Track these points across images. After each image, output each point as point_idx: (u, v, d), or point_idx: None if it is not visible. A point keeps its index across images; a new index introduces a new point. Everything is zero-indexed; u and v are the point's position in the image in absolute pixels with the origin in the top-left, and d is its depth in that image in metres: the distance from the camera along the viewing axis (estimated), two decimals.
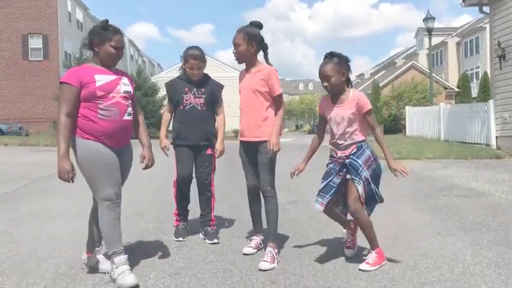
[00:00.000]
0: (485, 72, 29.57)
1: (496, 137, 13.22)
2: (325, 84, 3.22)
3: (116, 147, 3.00)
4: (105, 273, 3.04)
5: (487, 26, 33.91)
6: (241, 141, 3.58)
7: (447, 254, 3.46)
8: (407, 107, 23.80)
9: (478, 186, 6.68)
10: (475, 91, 31.78)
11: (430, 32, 20.86)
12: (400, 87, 28.06)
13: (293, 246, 3.76)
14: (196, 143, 3.92)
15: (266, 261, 3.20)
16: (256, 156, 3.45)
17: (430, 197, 5.90)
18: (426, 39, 33.84)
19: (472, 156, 10.79)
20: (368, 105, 3.24)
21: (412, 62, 33.01)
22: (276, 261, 3.25)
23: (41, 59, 28.90)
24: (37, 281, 2.95)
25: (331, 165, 3.29)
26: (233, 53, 3.52)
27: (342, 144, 3.25)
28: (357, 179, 3.18)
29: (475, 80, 34.55)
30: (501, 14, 12.48)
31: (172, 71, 33.26)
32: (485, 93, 27.31)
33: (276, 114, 3.48)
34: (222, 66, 34.00)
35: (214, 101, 4.04)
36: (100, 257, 3.19)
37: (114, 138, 2.98)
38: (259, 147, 3.43)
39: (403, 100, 27.05)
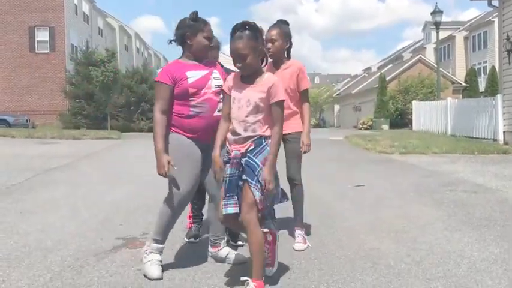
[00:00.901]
0: (493, 67, 29.38)
1: (504, 132, 13.13)
2: (239, 65, 2.69)
3: (203, 141, 2.99)
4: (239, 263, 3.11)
5: (496, 19, 33.62)
6: None
7: (453, 249, 3.44)
8: (414, 102, 23.70)
9: (485, 181, 6.64)
10: (482, 86, 31.58)
11: (437, 25, 20.72)
12: (407, 82, 27.95)
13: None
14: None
15: (299, 242, 3.46)
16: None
17: (436, 192, 5.87)
18: (434, 33, 33.59)
19: (479, 151, 10.73)
20: (281, 95, 2.67)
21: (419, 56, 32.81)
22: (307, 242, 3.50)
23: (48, 51, 28.97)
24: (43, 272, 2.96)
25: (229, 171, 2.65)
26: (268, 48, 3.50)
27: (239, 135, 2.66)
28: (253, 182, 2.57)
29: (482, 74, 34.30)
30: (510, 8, 12.35)
31: None
32: (492, 88, 27.13)
33: (302, 108, 3.65)
34: (229, 59, 33.85)
35: None
36: (227, 249, 3.20)
37: (203, 134, 2.98)
38: (287, 137, 3.56)
39: (410, 94, 26.95)
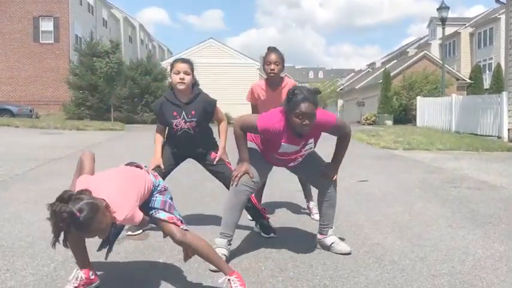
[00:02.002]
0: (498, 64, 29.23)
1: (509, 130, 13.09)
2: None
3: None
4: (341, 253, 3.21)
5: (502, 16, 33.50)
6: None
7: (458, 246, 3.43)
8: (418, 98, 23.60)
9: (489, 178, 6.62)
10: (487, 83, 31.46)
11: (443, 21, 20.61)
12: (411, 78, 27.81)
13: (302, 234, 3.75)
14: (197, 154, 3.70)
15: (317, 213, 3.72)
16: None
17: (440, 188, 5.85)
18: (439, 29, 33.47)
19: (483, 148, 10.69)
20: None
21: (424, 52, 32.63)
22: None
23: (52, 41, 28.94)
24: (47, 262, 2.97)
25: None
26: (271, 70, 3.95)
27: None
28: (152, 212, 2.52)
29: (487, 71, 34.17)
30: None
31: (182, 56, 33.14)
32: (497, 85, 27.03)
33: None
34: (233, 53, 33.84)
35: (208, 120, 3.66)
36: (333, 238, 3.31)
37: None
38: None
39: (414, 90, 26.82)
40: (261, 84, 4.20)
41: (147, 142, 12.23)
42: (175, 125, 3.49)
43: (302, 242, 3.49)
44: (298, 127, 2.90)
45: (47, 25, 28.99)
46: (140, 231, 3.62)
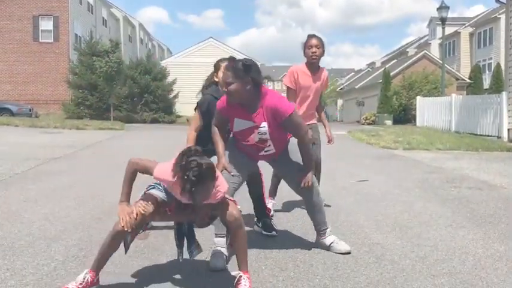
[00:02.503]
0: (498, 64, 29.23)
1: (508, 130, 13.10)
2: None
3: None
4: (340, 253, 3.21)
5: (502, 16, 33.49)
6: None
7: (458, 246, 3.43)
8: (418, 97, 23.62)
9: (489, 178, 6.62)
10: (487, 83, 31.47)
11: (443, 21, 20.61)
12: (411, 77, 27.84)
13: (302, 234, 3.74)
14: None
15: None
16: None
17: (440, 188, 5.86)
18: (439, 29, 33.45)
19: (483, 148, 10.69)
20: None
21: (424, 52, 32.65)
22: None
23: (51, 40, 28.93)
24: (47, 262, 2.97)
25: None
26: (313, 52, 4.08)
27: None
28: None
29: (487, 71, 34.17)
30: None
31: (181, 56, 33.20)
32: (497, 85, 27.04)
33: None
34: (233, 52, 33.81)
35: None
36: (332, 238, 3.31)
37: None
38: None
39: (414, 90, 26.84)
40: (302, 68, 4.21)
41: (147, 141, 12.24)
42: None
43: (302, 242, 3.49)
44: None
45: (46, 24, 28.97)
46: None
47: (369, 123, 27.47)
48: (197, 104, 3.70)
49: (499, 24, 34.13)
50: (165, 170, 2.42)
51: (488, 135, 14.06)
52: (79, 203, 4.68)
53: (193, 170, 2.24)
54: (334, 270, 2.91)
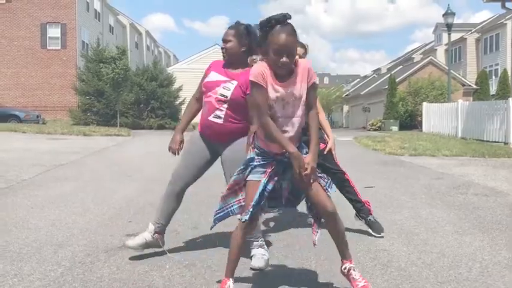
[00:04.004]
0: (505, 70, 29.11)
1: None
2: (286, 60, 2.37)
3: (211, 140, 3.22)
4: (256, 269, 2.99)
5: (508, 22, 33.47)
6: None
7: (465, 253, 3.41)
8: (424, 103, 23.57)
9: (496, 185, 6.58)
10: (493, 88, 31.33)
11: (449, 27, 20.59)
12: (417, 83, 27.78)
13: (308, 239, 3.74)
14: None
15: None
16: None
17: (447, 194, 5.83)
18: (444, 35, 33.41)
19: (489, 154, 10.64)
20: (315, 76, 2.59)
21: (429, 58, 32.60)
22: None
23: (59, 48, 29.22)
24: (54, 268, 2.98)
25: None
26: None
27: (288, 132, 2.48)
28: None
29: (493, 77, 34.03)
30: None
31: (187, 63, 33.33)
32: (504, 91, 26.90)
33: None
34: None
35: None
36: (254, 251, 3.12)
37: (203, 131, 3.24)
38: None
39: (420, 96, 26.78)
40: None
41: (153, 147, 12.26)
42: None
43: (307, 248, 3.49)
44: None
45: (54, 31, 29.27)
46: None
47: (374, 129, 27.42)
48: None
49: (505, 30, 34.08)
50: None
51: (494, 141, 13.99)
52: (85, 209, 4.70)
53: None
54: (340, 276, 2.90)
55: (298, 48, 2.82)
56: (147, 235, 3.19)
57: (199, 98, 3.26)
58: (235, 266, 2.54)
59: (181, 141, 3.26)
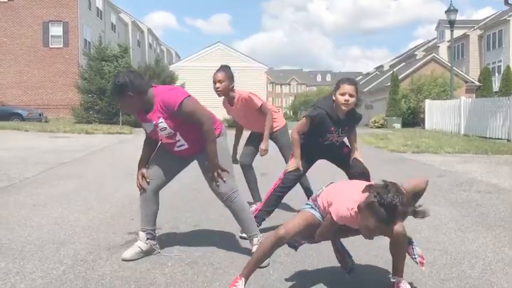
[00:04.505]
0: (508, 66, 29.02)
1: None
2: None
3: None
4: None
5: (511, 18, 33.29)
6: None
7: (468, 250, 3.40)
8: (427, 100, 23.51)
9: (499, 182, 6.56)
10: (496, 85, 31.21)
11: (452, 24, 20.53)
12: (419, 80, 27.70)
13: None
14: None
15: None
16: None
17: (449, 192, 5.82)
18: (447, 32, 33.29)
19: (492, 151, 10.61)
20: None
21: (432, 55, 32.49)
22: None
23: (61, 46, 29.22)
24: (56, 266, 2.99)
25: None
26: (216, 87, 4.30)
27: None
28: None
29: (496, 74, 33.90)
30: None
31: (190, 61, 33.34)
32: (507, 88, 26.81)
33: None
34: (241, 56, 33.93)
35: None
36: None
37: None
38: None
39: (423, 93, 26.71)
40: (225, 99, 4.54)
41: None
42: (327, 138, 3.64)
43: (310, 246, 3.48)
44: None
45: (56, 30, 29.27)
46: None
47: (377, 127, 27.36)
48: (308, 113, 3.72)
49: (508, 27, 33.92)
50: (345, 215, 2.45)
51: (497, 138, 13.96)
52: (88, 207, 4.71)
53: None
54: (342, 275, 2.90)
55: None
56: (141, 244, 3.20)
57: (148, 138, 3.37)
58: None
59: (143, 175, 3.26)
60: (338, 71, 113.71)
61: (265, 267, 2.97)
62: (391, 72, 31.35)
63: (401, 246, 2.60)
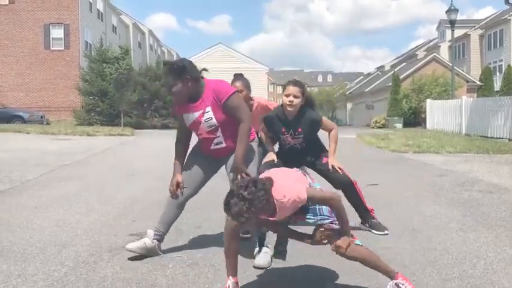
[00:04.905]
0: (509, 66, 28.97)
1: None
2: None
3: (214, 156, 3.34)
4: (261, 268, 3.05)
5: None
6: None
7: (469, 249, 3.40)
8: (428, 100, 23.50)
9: (500, 181, 6.55)
10: (497, 85, 31.17)
11: (453, 24, 20.53)
12: (420, 80, 27.69)
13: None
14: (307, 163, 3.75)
15: None
16: None
17: (451, 191, 5.81)
18: (448, 32, 33.22)
19: (494, 151, 10.59)
20: None
21: (433, 55, 32.49)
22: None
23: (62, 48, 29.24)
24: (58, 268, 2.99)
25: None
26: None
27: None
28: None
29: (497, 73, 33.86)
30: None
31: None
32: (508, 87, 26.78)
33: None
34: (242, 57, 33.94)
35: (315, 133, 3.69)
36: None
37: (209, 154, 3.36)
38: None
39: (424, 93, 26.70)
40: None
41: (157, 147, 12.29)
42: (283, 140, 3.58)
43: (312, 247, 3.48)
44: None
45: (57, 32, 29.30)
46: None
47: (379, 127, 27.36)
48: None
49: (509, 26, 33.89)
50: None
51: (499, 138, 13.93)
52: (89, 209, 4.72)
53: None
54: (342, 275, 2.90)
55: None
56: (147, 241, 3.21)
57: (181, 138, 3.34)
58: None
59: (179, 184, 3.26)
60: (339, 71, 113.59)
61: (265, 268, 2.97)
62: (392, 72, 31.36)
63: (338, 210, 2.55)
